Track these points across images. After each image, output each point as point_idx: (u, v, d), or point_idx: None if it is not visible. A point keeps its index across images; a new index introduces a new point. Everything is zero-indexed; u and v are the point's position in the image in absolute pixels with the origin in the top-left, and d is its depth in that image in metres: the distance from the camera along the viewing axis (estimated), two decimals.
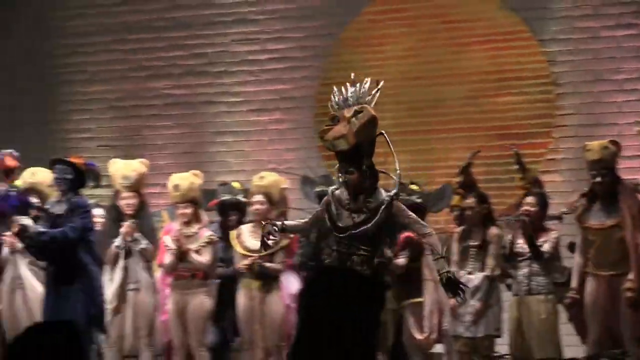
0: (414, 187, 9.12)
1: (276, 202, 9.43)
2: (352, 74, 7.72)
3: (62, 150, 12.34)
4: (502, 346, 9.07)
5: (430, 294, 8.72)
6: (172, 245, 9.36)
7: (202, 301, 9.35)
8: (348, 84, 7.57)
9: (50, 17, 13.10)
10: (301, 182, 9.80)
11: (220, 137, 12.50)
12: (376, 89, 7.49)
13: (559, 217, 9.30)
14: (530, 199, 9.13)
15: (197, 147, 12.50)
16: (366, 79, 7.59)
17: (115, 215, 9.42)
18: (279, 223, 7.93)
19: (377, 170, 7.42)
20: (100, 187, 9.29)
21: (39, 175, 9.59)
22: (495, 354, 8.76)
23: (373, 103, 7.46)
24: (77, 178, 8.55)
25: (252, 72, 12.36)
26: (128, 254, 9.44)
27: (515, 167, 9.73)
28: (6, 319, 9.63)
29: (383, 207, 7.31)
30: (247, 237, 9.29)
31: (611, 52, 11.10)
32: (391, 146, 7.51)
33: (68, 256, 8.41)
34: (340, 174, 7.45)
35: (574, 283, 8.49)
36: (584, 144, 8.95)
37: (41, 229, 8.48)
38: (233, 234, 9.45)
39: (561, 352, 8.68)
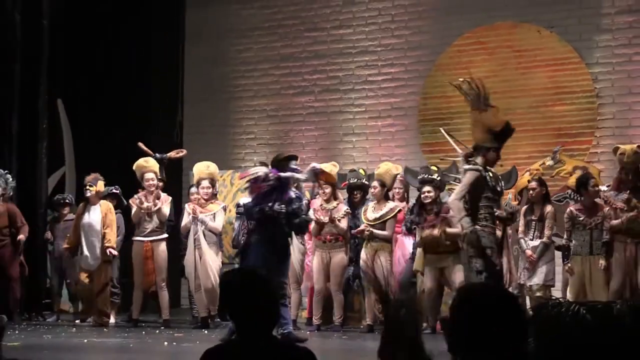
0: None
1: (389, 185, 10.00)
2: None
3: (233, 147, 13.79)
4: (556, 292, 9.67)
5: (508, 254, 9.47)
6: (320, 219, 10.03)
7: (342, 257, 10.12)
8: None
9: (227, 50, 14.26)
10: (404, 171, 10.69)
11: (348, 138, 13.27)
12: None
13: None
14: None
15: (330, 145, 13.31)
16: None
17: None
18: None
19: None
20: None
21: (213, 167, 10.42)
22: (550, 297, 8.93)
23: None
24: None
25: (371, 89, 13.20)
26: None
27: (552, 162, 10.64)
28: (189, 269, 10.48)
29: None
30: (369, 211, 9.97)
31: None
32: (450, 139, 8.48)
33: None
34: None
35: None
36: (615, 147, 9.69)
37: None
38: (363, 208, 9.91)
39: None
